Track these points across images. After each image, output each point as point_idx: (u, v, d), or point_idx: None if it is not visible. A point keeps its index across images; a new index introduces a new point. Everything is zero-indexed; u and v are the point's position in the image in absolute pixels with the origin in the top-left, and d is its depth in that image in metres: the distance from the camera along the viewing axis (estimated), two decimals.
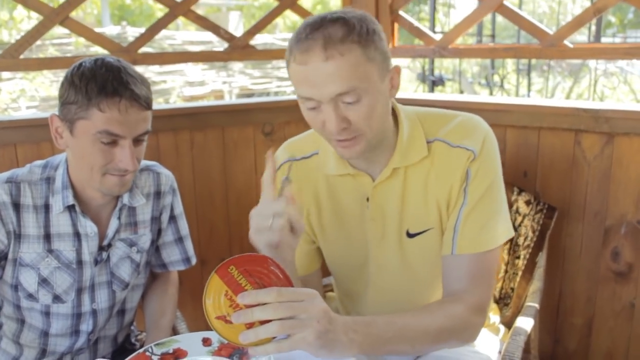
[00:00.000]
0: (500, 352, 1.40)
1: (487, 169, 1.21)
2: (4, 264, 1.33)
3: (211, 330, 0.88)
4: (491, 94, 8.07)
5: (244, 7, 17.01)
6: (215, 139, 2.17)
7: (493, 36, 7.30)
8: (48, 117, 1.29)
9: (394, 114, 1.25)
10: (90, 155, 1.24)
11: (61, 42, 9.65)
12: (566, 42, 1.89)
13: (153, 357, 1.00)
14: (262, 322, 0.86)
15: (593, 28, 6.80)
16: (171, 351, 1.02)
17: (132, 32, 9.96)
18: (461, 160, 1.20)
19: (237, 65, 10.94)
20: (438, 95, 2.18)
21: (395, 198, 1.26)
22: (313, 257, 1.40)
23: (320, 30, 1.05)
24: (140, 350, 1.01)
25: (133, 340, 1.65)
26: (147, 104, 1.26)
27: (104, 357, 1.52)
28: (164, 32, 10.37)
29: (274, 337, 0.87)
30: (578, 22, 1.84)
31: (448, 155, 1.22)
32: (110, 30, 10.31)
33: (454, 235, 1.21)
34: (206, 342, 1.03)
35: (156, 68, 9.79)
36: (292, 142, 1.38)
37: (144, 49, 2.07)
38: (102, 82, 1.20)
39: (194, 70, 10.41)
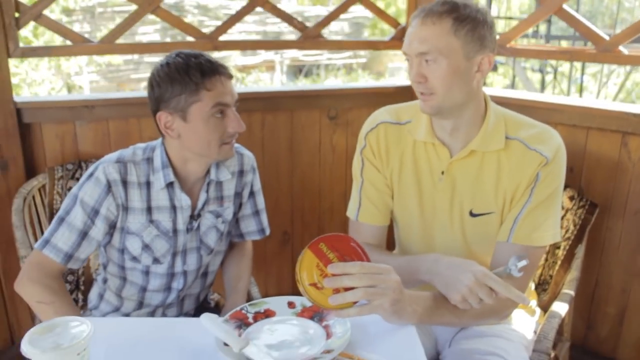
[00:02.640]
0: (535, 331, 1.56)
1: (555, 176, 1.38)
2: (113, 232, 1.56)
3: (299, 295, 1.09)
4: (543, 79, 8.01)
5: None
6: (285, 121, 2.37)
7: (549, 21, 7.22)
8: (155, 117, 1.48)
9: (485, 105, 1.44)
10: (206, 132, 1.45)
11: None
12: (621, 47, 1.99)
13: (248, 314, 1.21)
14: (347, 290, 1.06)
15: None
16: (262, 311, 1.22)
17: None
18: (534, 163, 1.37)
19: (288, 36, 11.08)
20: (494, 90, 2.32)
21: (468, 178, 1.43)
22: (387, 214, 1.57)
23: (430, 6, 1.31)
24: (237, 309, 1.22)
25: (209, 299, 1.89)
26: (231, 75, 1.50)
27: (187, 313, 1.76)
28: (219, 2, 10.59)
29: (354, 303, 1.07)
30: (635, 30, 1.94)
31: (523, 155, 1.38)
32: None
33: (512, 225, 1.38)
34: (291, 305, 1.23)
35: None
36: (392, 107, 1.58)
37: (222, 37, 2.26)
38: (199, 68, 1.42)
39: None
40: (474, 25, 1.30)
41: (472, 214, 1.45)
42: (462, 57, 1.30)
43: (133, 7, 2.13)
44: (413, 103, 1.55)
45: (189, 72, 1.41)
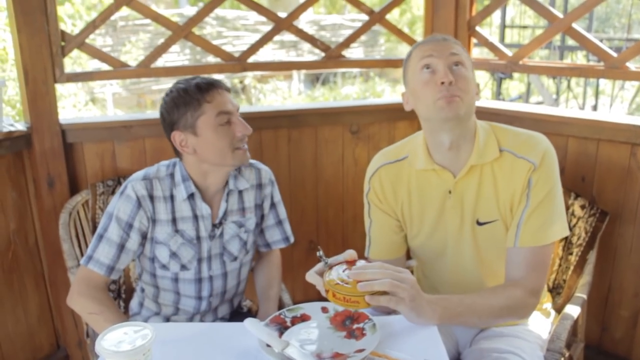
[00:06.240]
0: (550, 332, 1.68)
1: (546, 179, 1.49)
2: (144, 242, 1.71)
3: (328, 301, 1.23)
4: (558, 85, 8.05)
5: None
6: (309, 136, 2.51)
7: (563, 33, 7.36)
8: (170, 140, 1.65)
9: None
10: (216, 140, 1.61)
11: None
12: (628, 64, 2.10)
13: (286, 319, 1.33)
14: None
15: None
16: (299, 315, 1.34)
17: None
18: (524, 170, 1.49)
19: (306, 46, 11.25)
20: (509, 104, 2.43)
21: (472, 191, 1.55)
22: (400, 245, 1.71)
23: (436, 36, 1.54)
24: (276, 314, 1.35)
25: (242, 305, 2.03)
26: (228, 88, 1.68)
27: (222, 318, 1.89)
28: (237, 13, 10.81)
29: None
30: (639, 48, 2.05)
31: (513, 163, 1.51)
32: (187, 11, 10.80)
33: (517, 231, 1.49)
34: (324, 310, 1.35)
35: (230, 47, 10.24)
36: (386, 150, 1.71)
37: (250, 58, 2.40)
38: (197, 87, 1.61)
39: (264, 50, 10.82)
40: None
41: (478, 223, 1.56)
42: (471, 75, 1.51)
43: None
44: (406, 140, 1.70)
45: (188, 91, 1.60)
